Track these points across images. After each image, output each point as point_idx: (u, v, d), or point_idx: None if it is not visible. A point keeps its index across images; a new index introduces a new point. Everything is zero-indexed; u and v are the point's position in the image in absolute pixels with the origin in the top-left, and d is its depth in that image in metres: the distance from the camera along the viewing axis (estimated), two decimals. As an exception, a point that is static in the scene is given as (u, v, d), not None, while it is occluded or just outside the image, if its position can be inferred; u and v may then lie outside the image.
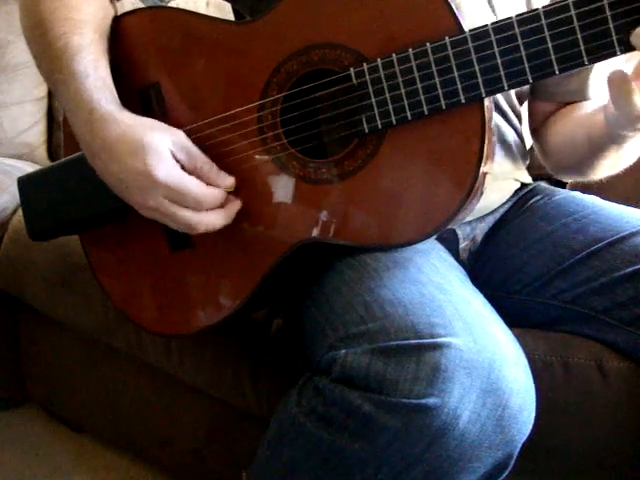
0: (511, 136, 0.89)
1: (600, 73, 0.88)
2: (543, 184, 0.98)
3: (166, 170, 0.68)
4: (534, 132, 0.95)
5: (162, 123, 0.74)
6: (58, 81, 0.74)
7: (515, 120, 0.90)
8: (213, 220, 0.72)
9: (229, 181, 0.74)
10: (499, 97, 0.86)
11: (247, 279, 0.76)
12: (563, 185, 1.03)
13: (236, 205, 0.74)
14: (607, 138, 0.77)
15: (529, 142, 0.98)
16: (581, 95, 0.89)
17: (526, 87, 0.90)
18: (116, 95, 0.74)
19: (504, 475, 0.63)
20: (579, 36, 0.59)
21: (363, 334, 0.61)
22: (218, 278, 0.78)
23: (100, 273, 0.88)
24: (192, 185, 0.69)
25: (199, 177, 0.71)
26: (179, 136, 0.72)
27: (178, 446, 1.16)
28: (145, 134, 0.69)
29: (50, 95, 1.64)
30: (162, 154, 0.69)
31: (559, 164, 0.93)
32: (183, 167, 0.71)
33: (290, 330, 0.88)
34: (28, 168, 1.46)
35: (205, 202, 0.70)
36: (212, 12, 1.57)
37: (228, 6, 0.95)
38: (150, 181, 0.68)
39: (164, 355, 1.04)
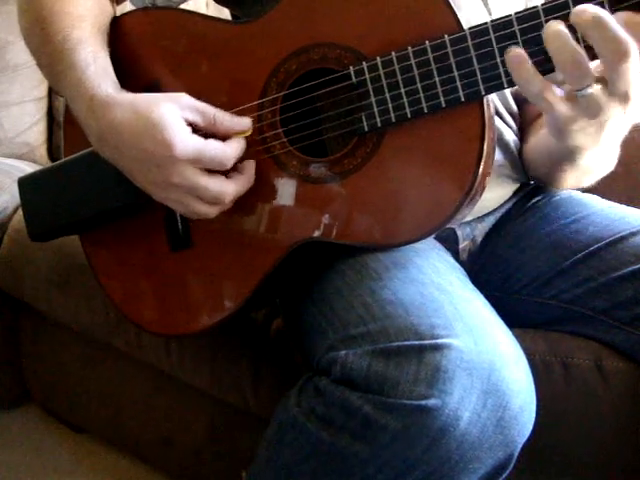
0: (509, 136, 0.89)
1: None
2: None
3: (183, 141, 0.67)
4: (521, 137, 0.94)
5: (162, 93, 0.72)
6: (58, 74, 0.74)
7: (511, 120, 0.90)
8: (237, 187, 0.71)
9: (245, 122, 0.72)
10: (495, 98, 0.86)
11: (247, 279, 0.76)
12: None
13: (251, 165, 0.73)
14: (559, 153, 0.77)
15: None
16: None
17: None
18: (117, 82, 0.73)
19: (504, 475, 0.63)
20: (579, 34, 0.59)
21: (363, 335, 0.61)
22: (218, 278, 0.78)
23: (100, 273, 0.88)
24: (212, 147, 0.68)
25: (217, 129, 0.70)
26: (184, 98, 0.70)
27: (178, 446, 1.16)
28: (151, 109, 0.68)
29: (50, 95, 1.64)
30: (174, 125, 0.67)
31: (532, 172, 0.92)
32: (197, 127, 0.69)
33: (290, 330, 0.88)
34: (28, 168, 1.46)
35: (229, 159, 0.69)
36: (212, 13, 1.56)
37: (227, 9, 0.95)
38: (170, 156, 0.67)
39: (164, 355, 1.04)
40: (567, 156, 0.75)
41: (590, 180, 0.86)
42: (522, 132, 0.93)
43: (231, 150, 0.70)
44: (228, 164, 0.70)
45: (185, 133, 0.68)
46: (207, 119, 0.70)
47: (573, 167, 0.79)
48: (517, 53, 0.59)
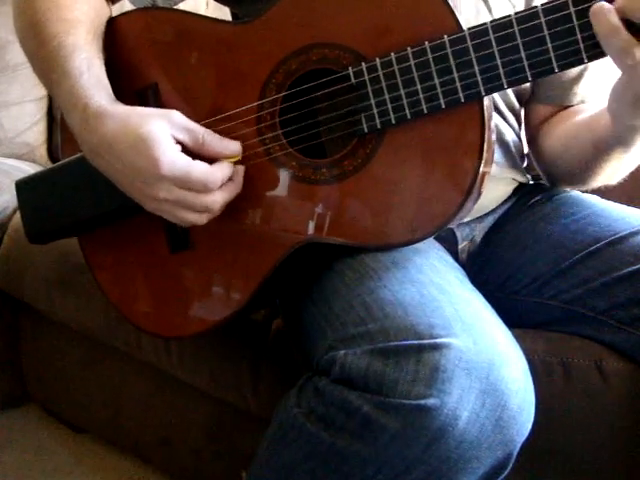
0: (509, 136, 0.89)
1: (598, 75, 0.87)
2: (543, 184, 0.98)
3: (171, 160, 0.67)
4: (530, 139, 0.94)
5: (155, 108, 0.72)
6: (53, 81, 0.74)
7: (513, 120, 0.90)
8: (225, 195, 0.71)
9: (234, 146, 0.73)
10: (497, 97, 0.86)
11: (247, 281, 0.75)
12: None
13: (241, 171, 0.73)
14: (613, 139, 0.75)
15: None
16: (581, 97, 0.89)
17: (526, 86, 0.90)
18: (111, 92, 0.73)
19: (503, 475, 0.63)
20: (578, 33, 0.59)
21: (363, 335, 0.61)
22: (218, 280, 0.78)
23: (99, 274, 0.87)
24: (198, 170, 0.68)
25: (206, 151, 0.70)
26: (175, 116, 0.70)
27: (178, 446, 1.16)
28: (142, 124, 0.68)
29: (50, 95, 1.64)
30: (163, 142, 0.67)
31: (557, 171, 0.92)
32: (186, 147, 0.69)
33: (290, 330, 0.88)
34: (28, 168, 1.46)
35: (215, 183, 0.69)
36: (211, 12, 1.56)
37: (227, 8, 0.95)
38: (156, 174, 0.67)
39: (164, 355, 1.04)
40: (623, 139, 0.73)
41: (624, 172, 0.84)
42: (532, 132, 0.92)
43: (217, 174, 0.70)
44: (213, 187, 0.69)
45: (173, 152, 0.68)
46: (196, 140, 0.70)
47: (623, 152, 0.76)
48: (600, 5, 0.57)
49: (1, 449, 1.32)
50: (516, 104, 0.91)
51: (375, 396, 0.58)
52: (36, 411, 1.41)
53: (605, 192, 0.91)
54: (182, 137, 0.69)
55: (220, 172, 0.70)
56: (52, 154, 1.64)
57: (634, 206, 0.88)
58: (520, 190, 0.94)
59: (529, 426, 0.62)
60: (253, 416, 1.00)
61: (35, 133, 1.61)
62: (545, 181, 0.96)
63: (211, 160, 0.71)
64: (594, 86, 0.88)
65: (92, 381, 1.26)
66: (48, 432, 1.36)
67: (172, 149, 0.68)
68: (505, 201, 0.92)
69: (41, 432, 1.37)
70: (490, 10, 0.81)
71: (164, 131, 0.68)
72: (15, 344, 1.36)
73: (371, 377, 0.58)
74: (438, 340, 0.58)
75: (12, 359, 1.36)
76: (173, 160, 0.67)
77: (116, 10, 0.85)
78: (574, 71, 0.86)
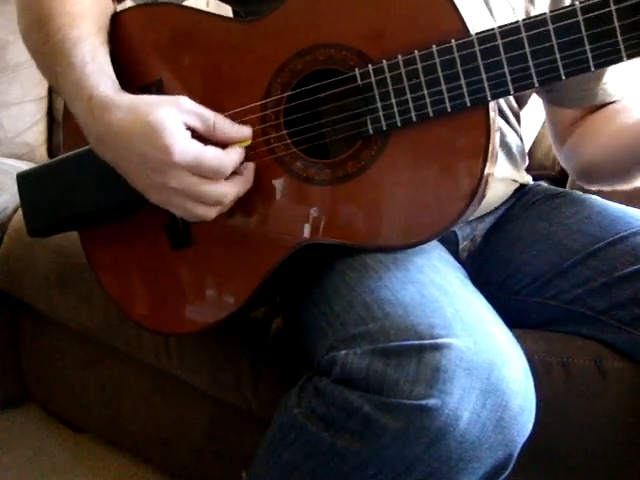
0: (511, 137, 0.89)
1: (621, 71, 0.86)
2: (543, 184, 0.98)
3: (182, 146, 0.65)
4: (560, 141, 0.93)
5: (162, 96, 0.71)
6: (57, 74, 0.74)
7: (514, 121, 0.90)
8: (236, 189, 0.70)
9: (245, 130, 0.72)
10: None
11: (248, 279, 0.75)
12: (563, 185, 1.02)
13: (251, 167, 0.72)
14: None
15: (528, 144, 0.97)
16: (602, 96, 0.88)
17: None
18: (116, 82, 0.73)
19: (504, 475, 0.63)
20: (586, 42, 0.59)
21: (363, 335, 0.61)
22: (219, 278, 0.78)
23: (99, 270, 0.87)
24: (210, 155, 0.67)
25: (217, 136, 0.69)
26: (184, 102, 0.69)
27: (178, 446, 1.16)
28: (151, 112, 0.66)
29: (50, 95, 1.64)
30: (174, 129, 0.66)
31: (599, 172, 0.90)
32: (197, 132, 0.68)
33: (290, 330, 0.88)
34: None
35: (227, 168, 0.68)
36: (211, 10, 1.56)
37: (228, 6, 0.95)
38: (168, 161, 0.65)
39: (164, 355, 1.04)
40: None
41: None
42: (562, 135, 0.92)
43: (229, 159, 0.69)
44: (226, 173, 0.68)
45: (184, 139, 0.66)
46: (206, 125, 0.69)
47: None
48: None
49: (1, 449, 1.32)
50: (515, 105, 0.91)
51: (376, 396, 0.58)
52: (36, 411, 1.41)
53: (605, 192, 0.91)
54: (193, 123, 0.68)
55: (232, 156, 0.69)
56: (52, 154, 1.65)
57: (634, 206, 0.88)
58: (520, 190, 0.94)
59: (530, 426, 0.62)
60: (253, 416, 1.00)
61: (35, 133, 1.62)
62: (579, 181, 0.95)
63: (222, 146, 0.70)
64: (619, 83, 0.87)
65: (92, 381, 1.26)
66: (48, 432, 1.37)
67: (183, 136, 0.66)
68: (506, 201, 0.92)
69: (41, 432, 1.37)
70: (491, 11, 0.81)
71: (174, 118, 0.66)
72: (15, 344, 1.36)
73: (372, 377, 0.58)
74: (439, 340, 0.58)
75: (12, 359, 1.36)
76: (184, 147, 0.66)
77: (120, 8, 0.85)
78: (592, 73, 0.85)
